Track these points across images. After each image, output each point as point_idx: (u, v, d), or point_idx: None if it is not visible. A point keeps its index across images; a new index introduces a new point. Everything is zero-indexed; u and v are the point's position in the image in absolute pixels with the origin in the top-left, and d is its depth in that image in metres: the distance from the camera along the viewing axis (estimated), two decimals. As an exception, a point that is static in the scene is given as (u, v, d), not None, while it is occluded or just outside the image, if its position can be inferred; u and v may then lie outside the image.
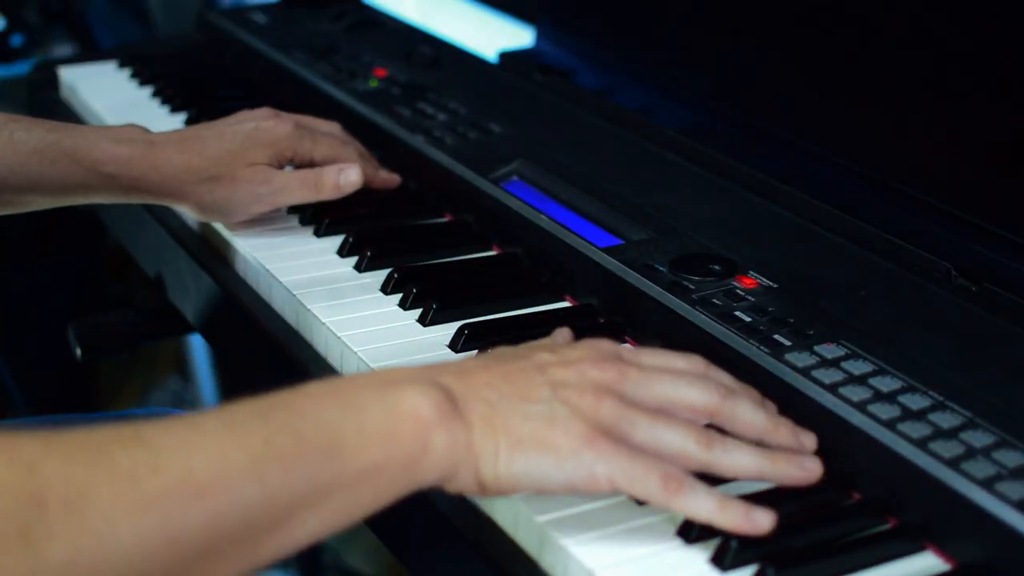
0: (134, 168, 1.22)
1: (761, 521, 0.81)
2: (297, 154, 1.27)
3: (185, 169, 1.22)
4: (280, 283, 1.17)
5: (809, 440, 0.89)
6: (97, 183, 1.23)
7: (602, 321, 1.12)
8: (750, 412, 0.88)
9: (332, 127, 1.34)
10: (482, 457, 0.80)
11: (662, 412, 0.85)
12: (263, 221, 1.28)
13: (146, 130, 1.27)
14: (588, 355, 0.86)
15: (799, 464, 0.86)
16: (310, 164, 1.29)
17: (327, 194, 1.26)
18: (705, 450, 0.83)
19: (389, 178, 1.35)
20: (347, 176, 1.26)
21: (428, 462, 0.78)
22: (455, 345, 1.07)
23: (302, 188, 1.25)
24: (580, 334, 1.08)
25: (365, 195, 1.30)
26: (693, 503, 0.81)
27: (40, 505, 0.65)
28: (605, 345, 0.89)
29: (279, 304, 1.18)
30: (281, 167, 1.27)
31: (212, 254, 1.30)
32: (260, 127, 1.26)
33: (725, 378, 0.91)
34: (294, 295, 1.15)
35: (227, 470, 0.70)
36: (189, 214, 1.29)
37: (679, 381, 0.87)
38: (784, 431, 0.89)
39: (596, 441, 0.81)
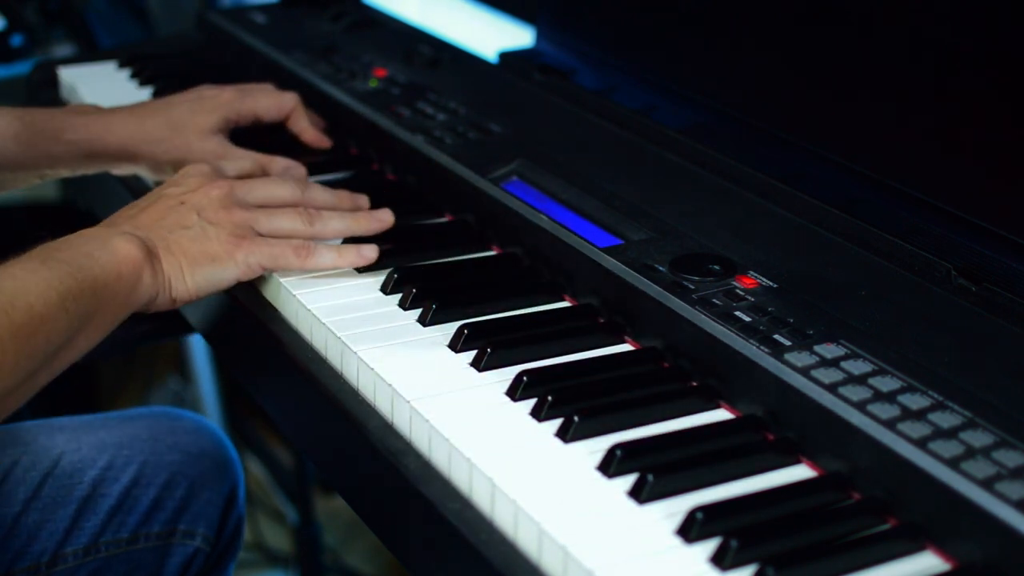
0: (92, 132, 1.34)
1: (368, 253, 1.17)
2: (241, 114, 1.42)
3: (138, 130, 1.35)
4: (281, 283, 1.18)
5: (386, 215, 1.23)
6: (59, 151, 1.34)
7: (602, 321, 1.12)
8: (319, 190, 1.22)
9: (267, 85, 1.48)
10: (173, 278, 1.10)
11: (268, 207, 1.17)
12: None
13: (100, 107, 1.40)
14: (202, 181, 1.17)
15: (377, 219, 1.22)
16: (256, 120, 1.43)
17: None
18: (310, 224, 1.17)
19: (318, 138, 1.47)
20: (296, 170, 1.36)
21: (140, 290, 1.07)
22: (455, 345, 1.07)
23: (252, 168, 1.35)
24: (580, 334, 1.09)
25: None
26: (320, 260, 1.15)
27: None
28: (203, 168, 1.20)
29: (281, 304, 1.18)
30: (229, 128, 1.40)
31: (212, 254, 1.30)
32: (203, 95, 1.42)
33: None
34: (294, 295, 1.15)
35: (50, 305, 0.98)
36: (143, 175, 1.39)
37: (268, 183, 1.21)
38: (363, 220, 1.21)
39: (241, 242, 1.13)
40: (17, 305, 0.95)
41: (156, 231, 1.11)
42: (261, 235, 1.15)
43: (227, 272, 1.13)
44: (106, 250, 1.05)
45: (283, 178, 1.24)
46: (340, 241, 1.21)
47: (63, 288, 0.99)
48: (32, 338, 0.96)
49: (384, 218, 1.23)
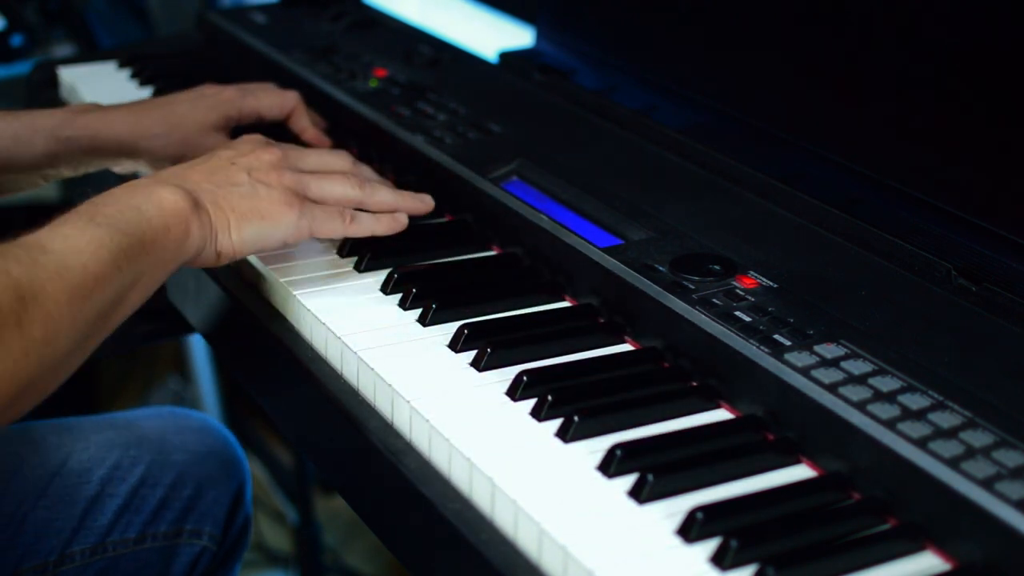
0: (91, 128, 1.34)
1: (403, 219, 1.19)
2: (243, 112, 1.42)
3: (137, 124, 1.35)
4: (281, 283, 1.17)
5: (427, 198, 1.24)
6: (59, 149, 1.33)
7: (602, 321, 1.12)
8: (369, 169, 1.24)
9: (268, 84, 1.49)
10: (220, 231, 1.08)
11: (319, 173, 1.17)
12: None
13: (100, 104, 1.40)
14: (254, 147, 1.17)
15: (420, 200, 1.23)
16: (258, 118, 1.42)
17: None
18: (359, 189, 1.18)
19: (319, 137, 1.46)
20: None
21: (189, 242, 1.05)
22: (455, 345, 1.07)
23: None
24: (580, 334, 1.09)
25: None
26: (361, 225, 1.16)
27: (22, 300, 0.89)
28: (257, 136, 1.20)
29: (281, 304, 1.18)
30: (230, 127, 1.40)
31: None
32: (205, 92, 1.42)
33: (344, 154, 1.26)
34: (294, 295, 1.15)
35: (104, 265, 0.95)
36: (144, 171, 1.38)
37: (321, 152, 1.23)
38: (408, 197, 1.22)
39: (292, 202, 1.12)
40: (71, 266, 0.93)
41: (204, 185, 1.10)
42: (310, 200, 1.15)
43: (276, 231, 1.12)
44: (152, 202, 1.03)
45: (337, 151, 1.25)
46: None
47: (114, 245, 0.97)
48: (88, 299, 0.94)
49: (427, 200, 1.23)
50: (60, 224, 0.97)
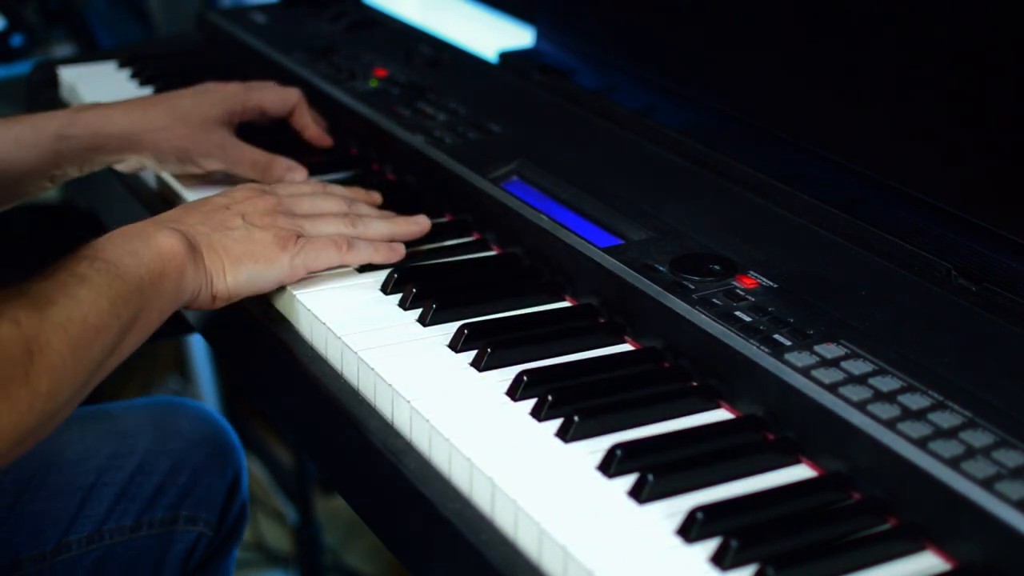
0: (94, 125, 1.34)
1: (400, 250, 1.20)
2: (247, 107, 1.42)
3: (142, 119, 1.35)
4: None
5: (423, 219, 1.24)
6: (62, 148, 1.33)
7: (602, 321, 1.12)
8: (366, 206, 1.24)
9: (270, 82, 1.49)
10: (214, 275, 1.11)
11: (313, 217, 1.19)
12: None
13: (101, 103, 1.40)
14: (250, 193, 1.19)
15: (415, 222, 1.23)
16: (261, 114, 1.44)
17: (271, 181, 1.34)
18: (353, 228, 1.19)
19: (320, 136, 1.47)
20: (293, 175, 1.36)
21: (185, 285, 1.08)
22: (455, 345, 1.07)
23: (252, 169, 1.37)
24: (580, 334, 1.09)
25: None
26: (359, 254, 1.17)
27: (30, 353, 0.90)
28: (251, 184, 1.23)
29: (281, 305, 1.18)
30: (234, 122, 1.40)
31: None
32: (209, 88, 1.42)
33: (338, 189, 1.27)
34: (294, 295, 1.15)
35: (103, 314, 0.98)
36: (149, 165, 1.38)
37: (315, 197, 1.22)
38: (402, 223, 1.23)
39: (286, 244, 1.14)
40: (73, 318, 0.95)
41: (199, 228, 1.12)
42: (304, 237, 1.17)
43: (270, 273, 1.14)
44: (149, 247, 1.05)
45: (331, 193, 1.25)
46: None
47: (112, 294, 0.99)
48: (88, 349, 0.96)
49: (422, 221, 1.24)
50: (60, 271, 0.98)
